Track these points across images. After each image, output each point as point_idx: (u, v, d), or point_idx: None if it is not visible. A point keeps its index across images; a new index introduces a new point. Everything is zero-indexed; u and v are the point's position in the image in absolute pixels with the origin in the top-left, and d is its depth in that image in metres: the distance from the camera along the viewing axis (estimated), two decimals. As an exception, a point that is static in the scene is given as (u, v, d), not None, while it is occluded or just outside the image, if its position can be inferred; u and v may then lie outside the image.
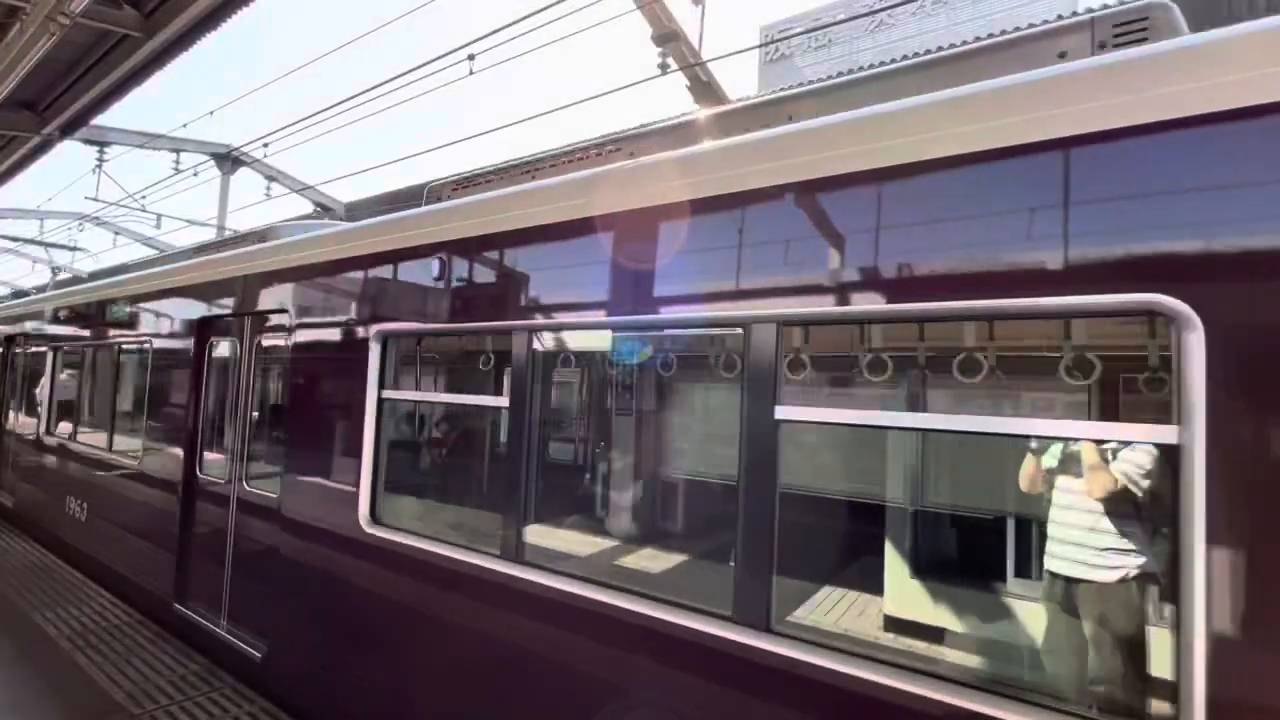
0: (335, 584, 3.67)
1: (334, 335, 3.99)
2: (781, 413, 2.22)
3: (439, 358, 3.99)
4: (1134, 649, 2.16)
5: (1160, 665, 1.79)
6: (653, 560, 3.25)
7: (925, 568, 3.41)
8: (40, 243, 18.75)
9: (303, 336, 4.21)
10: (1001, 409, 2.55)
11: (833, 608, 3.22)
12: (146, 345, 6.11)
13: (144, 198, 13.67)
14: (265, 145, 11.05)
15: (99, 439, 6.74)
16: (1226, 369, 1.52)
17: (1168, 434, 1.61)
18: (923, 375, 2.66)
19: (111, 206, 13.82)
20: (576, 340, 3.24)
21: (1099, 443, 2.26)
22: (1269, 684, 1.45)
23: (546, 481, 3.30)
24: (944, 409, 2.69)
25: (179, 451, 5.26)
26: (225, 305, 5.09)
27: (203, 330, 5.31)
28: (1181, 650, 1.55)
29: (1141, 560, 2.23)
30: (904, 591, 3.26)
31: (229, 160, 14.10)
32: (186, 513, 5.14)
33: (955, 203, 1.97)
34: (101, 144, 12.49)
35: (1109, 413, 2.25)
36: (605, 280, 2.72)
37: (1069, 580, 2.34)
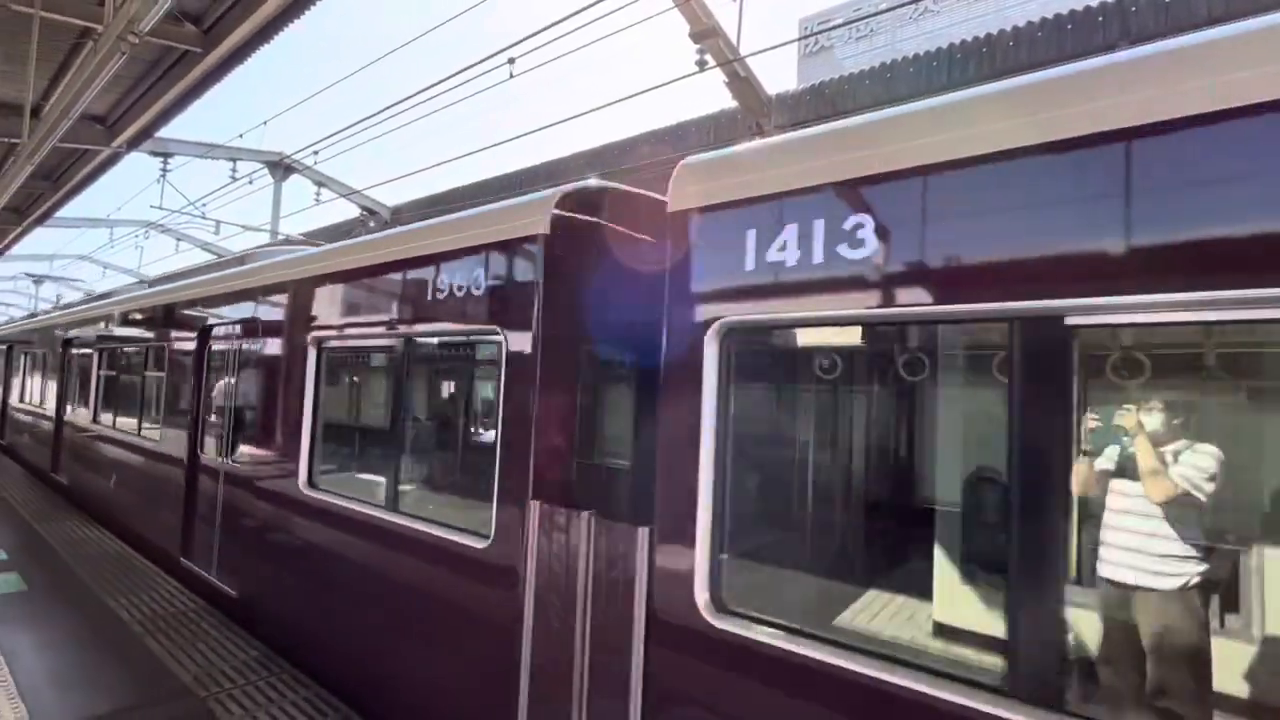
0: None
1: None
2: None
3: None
4: (1196, 660, 2.06)
5: (1225, 678, 1.73)
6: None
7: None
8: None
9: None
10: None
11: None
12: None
13: (204, 205, 14.35)
14: (315, 152, 11.45)
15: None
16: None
17: (497, 335, 3.24)
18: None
19: (174, 214, 14.55)
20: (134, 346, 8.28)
21: (1157, 446, 2.17)
22: None
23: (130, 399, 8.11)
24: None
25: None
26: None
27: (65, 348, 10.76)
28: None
29: (1204, 568, 2.13)
30: None
31: (281, 168, 14.67)
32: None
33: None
34: (165, 155, 13.15)
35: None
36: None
37: (1126, 588, 2.25)
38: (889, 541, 2.33)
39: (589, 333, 3.08)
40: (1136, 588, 2.22)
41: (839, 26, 19.66)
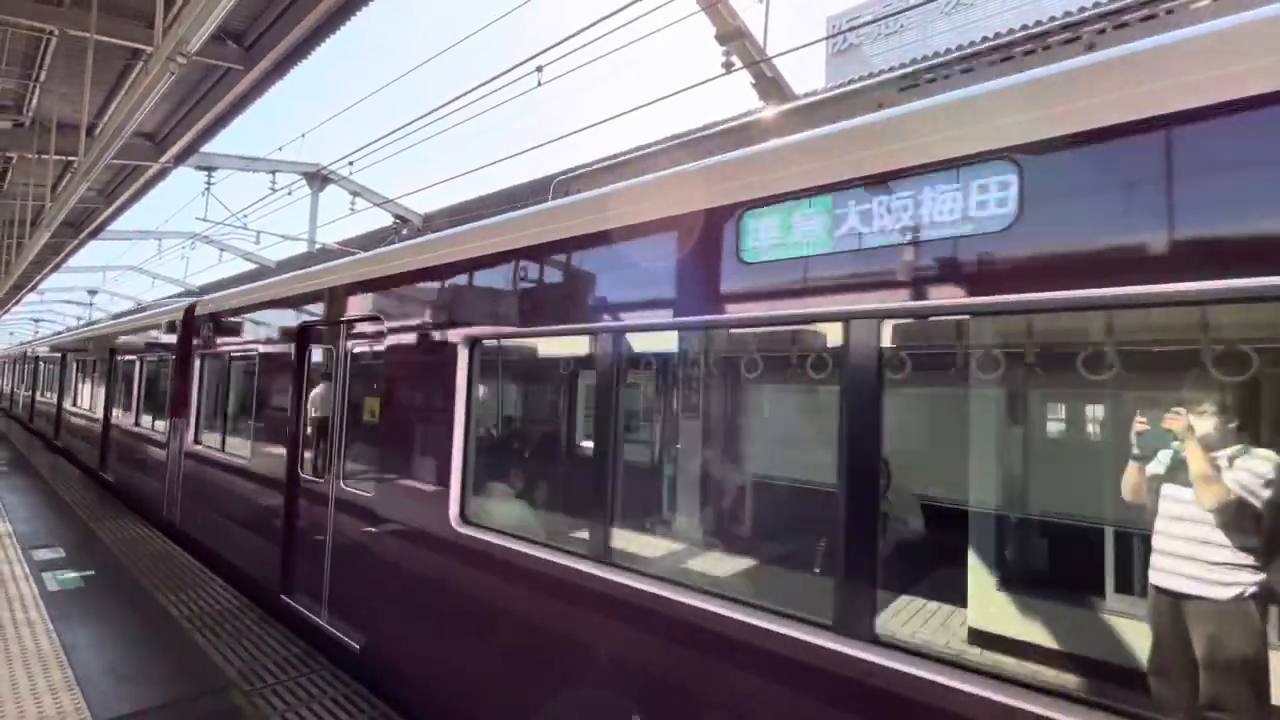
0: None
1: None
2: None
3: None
4: (1251, 673, 1.98)
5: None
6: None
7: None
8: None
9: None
10: None
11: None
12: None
13: (245, 216, 14.86)
14: (351, 163, 11.76)
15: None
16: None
17: (171, 354, 8.61)
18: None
19: (218, 225, 15.10)
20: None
21: (1210, 450, 2.10)
22: None
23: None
24: None
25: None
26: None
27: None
28: None
29: (1260, 577, 2.04)
30: None
31: (318, 178, 15.10)
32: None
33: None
34: (209, 169, 13.66)
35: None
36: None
37: (1177, 596, 2.17)
38: (256, 423, 6.32)
39: (201, 353, 7.82)
40: (1189, 596, 2.14)
41: (867, 24, 19.41)
